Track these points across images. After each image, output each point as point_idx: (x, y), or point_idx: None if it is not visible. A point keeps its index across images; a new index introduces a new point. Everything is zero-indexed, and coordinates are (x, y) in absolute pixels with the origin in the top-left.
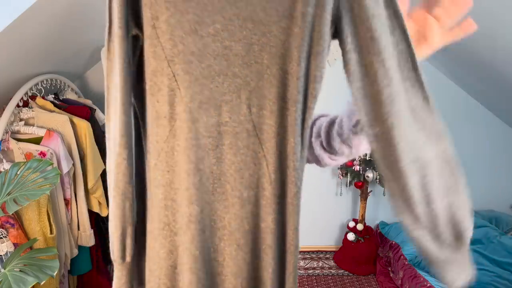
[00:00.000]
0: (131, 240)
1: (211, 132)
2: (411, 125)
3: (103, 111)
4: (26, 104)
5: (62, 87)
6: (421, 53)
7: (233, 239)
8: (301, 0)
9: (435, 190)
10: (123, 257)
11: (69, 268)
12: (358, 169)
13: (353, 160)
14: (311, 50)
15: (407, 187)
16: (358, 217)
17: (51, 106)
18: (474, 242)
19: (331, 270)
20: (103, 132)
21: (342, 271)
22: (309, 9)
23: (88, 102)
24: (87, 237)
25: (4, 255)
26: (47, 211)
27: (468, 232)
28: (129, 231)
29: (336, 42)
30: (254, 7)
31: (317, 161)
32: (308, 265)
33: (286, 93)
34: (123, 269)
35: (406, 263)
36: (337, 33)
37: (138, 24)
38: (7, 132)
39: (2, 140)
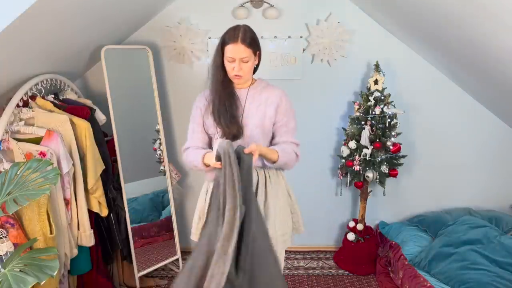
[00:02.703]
0: None
1: None
2: None
3: (103, 111)
4: (26, 104)
5: (62, 87)
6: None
7: None
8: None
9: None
10: None
11: (69, 268)
12: (358, 169)
13: (353, 160)
14: None
15: None
16: (358, 217)
17: (51, 106)
18: (474, 242)
19: (331, 270)
20: (103, 132)
21: (342, 271)
22: None
23: (88, 102)
24: (87, 237)
25: (4, 255)
26: (47, 211)
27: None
28: None
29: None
30: None
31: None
32: (308, 265)
33: None
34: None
35: (406, 263)
36: None
37: None
38: (7, 132)
39: (2, 140)
